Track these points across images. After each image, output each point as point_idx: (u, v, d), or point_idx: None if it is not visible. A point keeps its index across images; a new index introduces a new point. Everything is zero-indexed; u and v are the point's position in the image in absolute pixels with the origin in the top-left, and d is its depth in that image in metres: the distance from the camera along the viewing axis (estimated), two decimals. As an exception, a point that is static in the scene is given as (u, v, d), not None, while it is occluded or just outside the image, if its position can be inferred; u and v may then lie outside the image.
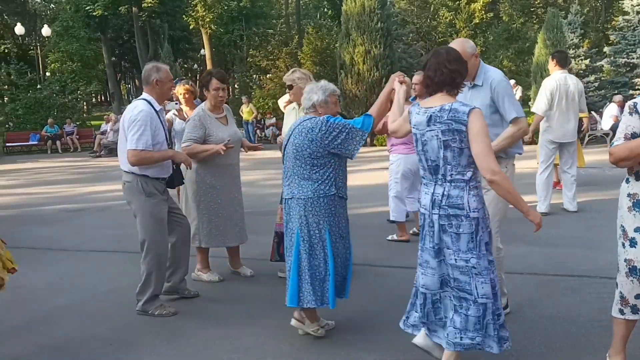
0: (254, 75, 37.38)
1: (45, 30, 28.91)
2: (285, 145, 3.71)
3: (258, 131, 22.18)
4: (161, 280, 4.28)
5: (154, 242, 4.19)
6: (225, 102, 5.02)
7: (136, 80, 56.27)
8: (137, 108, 4.12)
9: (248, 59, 37.42)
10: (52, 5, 45.46)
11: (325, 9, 41.46)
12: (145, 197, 4.16)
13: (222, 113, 4.97)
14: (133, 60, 48.54)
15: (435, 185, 2.95)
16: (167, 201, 4.37)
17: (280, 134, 5.19)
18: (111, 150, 19.51)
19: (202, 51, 37.65)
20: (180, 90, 6.19)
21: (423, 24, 34.79)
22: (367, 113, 3.67)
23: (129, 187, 4.21)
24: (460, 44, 3.52)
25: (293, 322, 3.76)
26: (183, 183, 4.63)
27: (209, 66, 31.30)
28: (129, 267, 5.46)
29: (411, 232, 6.28)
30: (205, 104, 4.95)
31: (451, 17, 33.56)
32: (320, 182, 3.53)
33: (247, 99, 22.58)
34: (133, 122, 4.06)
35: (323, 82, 3.77)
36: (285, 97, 5.46)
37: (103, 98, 59.18)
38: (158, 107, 4.25)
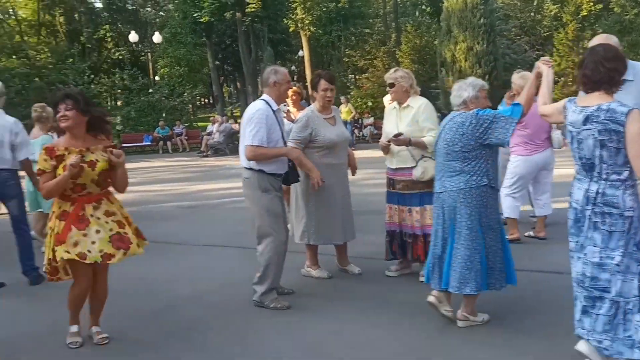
0: (351, 75, 37.61)
1: (157, 37, 30.66)
2: (437, 142, 3.90)
3: (356, 131, 22.34)
4: (278, 273, 4.46)
5: (271, 236, 4.37)
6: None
7: (237, 83, 58.30)
8: (255, 107, 4.42)
9: (344, 59, 37.70)
10: (161, 13, 48.10)
11: (424, 6, 40.95)
12: (261, 192, 4.38)
13: (331, 113, 5.10)
14: (235, 64, 50.33)
15: (590, 182, 2.93)
16: (281, 199, 4.58)
17: (381, 133, 5.22)
18: (217, 151, 20.43)
19: (300, 53, 38.37)
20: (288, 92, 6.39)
21: (527, 19, 33.43)
22: (515, 102, 3.75)
23: (247, 183, 4.46)
24: (605, 40, 3.45)
25: (431, 298, 3.84)
26: (299, 180, 4.79)
27: (307, 67, 31.86)
28: (243, 262, 5.74)
29: (526, 234, 6.11)
30: (314, 104, 5.11)
31: (557, 10, 32.01)
32: (472, 174, 3.67)
33: (346, 99, 22.80)
34: (250, 120, 4.35)
35: (471, 79, 3.91)
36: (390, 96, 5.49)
37: (206, 100, 61.88)
38: (275, 107, 4.48)
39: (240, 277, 5.16)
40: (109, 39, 45.09)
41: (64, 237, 3.55)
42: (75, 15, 44.40)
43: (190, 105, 29.88)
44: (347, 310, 4.31)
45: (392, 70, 5.02)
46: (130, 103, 26.91)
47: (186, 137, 23.69)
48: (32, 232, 6.16)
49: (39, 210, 6.53)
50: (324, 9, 31.86)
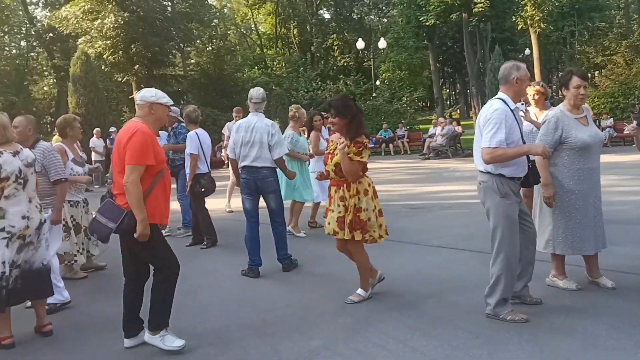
0: (584, 73, 34.54)
1: (382, 43, 31.70)
2: None
3: (592, 133, 20.46)
4: (511, 283, 4.25)
5: (506, 243, 4.16)
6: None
7: (457, 85, 57.60)
8: (493, 107, 4.20)
9: (577, 56, 34.83)
10: (384, 19, 49.59)
11: (677, -8, 36.01)
12: (499, 198, 4.18)
13: (582, 113, 4.75)
14: (456, 66, 49.85)
15: None
16: (519, 204, 4.36)
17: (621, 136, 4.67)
18: (438, 153, 20.39)
19: (525, 51, 36.54)
20: (530, 91, 6.10)
21: None
22: None
23: (485, 187, 4.27)
24: None
25: None
26: (539, 182, 4.55)
27: (535, 66, 30.13)
28: (476, 265, 5.64)
29: None
30: (563, 104, 4.80)
31: None
32: None
33: (581, 98, 21.01)
34: (488, 121, 4.15)
35: None
36: None
37: (425, 103, 62.20)
38: (513, 105, 4.28)
39: (476, 280, 5.10)
40: (336, 47, 47.80)
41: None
42: (307, 27, 47.93)
43: (410, 109, 30.24)
44: (602, 326, 3.96)
45: None
46: (354, 107, 28.13)
47: (407, 140, 24.06)
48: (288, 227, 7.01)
49: (293, 199, 7.75)
50: (556, 4, 29.87)
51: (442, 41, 45.92)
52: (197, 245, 7.56)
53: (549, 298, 4.60)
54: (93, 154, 17.68)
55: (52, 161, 4.96)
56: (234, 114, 10.14)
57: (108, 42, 24.29)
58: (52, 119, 29.84)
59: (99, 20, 24.15)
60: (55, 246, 5.19)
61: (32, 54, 43.80)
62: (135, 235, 3.77)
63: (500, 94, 4.31)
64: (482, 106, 5.32)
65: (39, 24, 39.35)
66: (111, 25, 23.80)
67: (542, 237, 4.83)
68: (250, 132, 5.94)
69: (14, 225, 4.12)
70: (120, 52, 24.74)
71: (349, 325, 4.29)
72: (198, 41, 32.31)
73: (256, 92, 6.10)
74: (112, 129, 19.25)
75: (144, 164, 3.78)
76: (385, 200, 10.46)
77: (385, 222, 4.79)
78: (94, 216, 4.01)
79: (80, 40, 25.11)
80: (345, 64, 46.24)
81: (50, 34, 35.50)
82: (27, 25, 40.68)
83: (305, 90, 30.19)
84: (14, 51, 43.42)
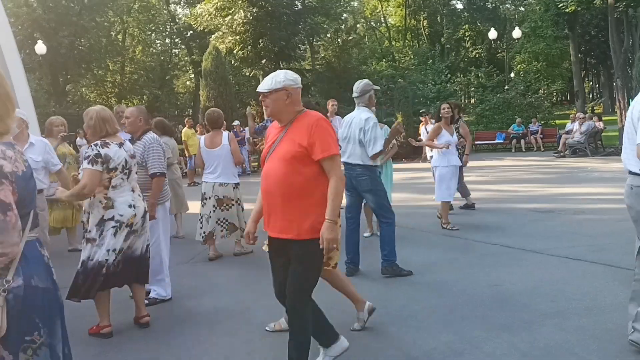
0: None
1: (516, 33, 29.87)
2: None
3: None
4: None
5: None
6: None
7: (601, 77, 53.06)
8: None
9: None
10: (521, 8, 46.83)
11: None
12: None
13: None
14: (600, 56, 45.88)
15: None
16: None
17: None
18: (575, 151, 18.77)
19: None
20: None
21: None
22: None
23: (638, 193, 3.53)
24: None
25: None
26: None
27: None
28: (610, 283, 4.93)
29: None
30: None
31: None
32: None
33: None
34: None
35: None
36: None
37: (564, 97, 58.01)
38: None
39: (609, 301, 4.46)
40: (467, 38, 45.99)
41: None
42: (438, 18, 46.60)
43: (546, 102, 28.13)
44: None
45: None
46: (484, 101, 26.81)
47: (541, 136, 22.40)
48: None
49: None
50: None
51: (585, 30, 42.29)
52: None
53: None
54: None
55: (151, 154, 4.90)
56: (329, 106, 9.50)
57: (237, 37, 25.07)
58: (193, 112, 31.59)
59: (230, 17, 25.03)
60: (165, 240, 5.20)
61: (174, 50, 46.74)
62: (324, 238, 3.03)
63: None
64: (628, 100, 4.49)
65: (180, 22, 41.90)
66: (241, 21, 24.53)
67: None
68: (348, 128, 5.64)
69: (123, 214, 4.16)
70: (249, 47, 25.45)
71: (452, 344, 3.84)
72: (328, 35, 32.47)
73: (355, 86, 5.70)
74: (236, 122, 19.74)
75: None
76: (509, 202, 9.76)
77: None
78: None
79: (213, 36, 26.22)
80: (477, 55, 44.28)
81: (191, 31, 37.61)
82: (171, 24, 43.44)
83: (433, 82, 29.18)
84: (159, 47, 46.61)
